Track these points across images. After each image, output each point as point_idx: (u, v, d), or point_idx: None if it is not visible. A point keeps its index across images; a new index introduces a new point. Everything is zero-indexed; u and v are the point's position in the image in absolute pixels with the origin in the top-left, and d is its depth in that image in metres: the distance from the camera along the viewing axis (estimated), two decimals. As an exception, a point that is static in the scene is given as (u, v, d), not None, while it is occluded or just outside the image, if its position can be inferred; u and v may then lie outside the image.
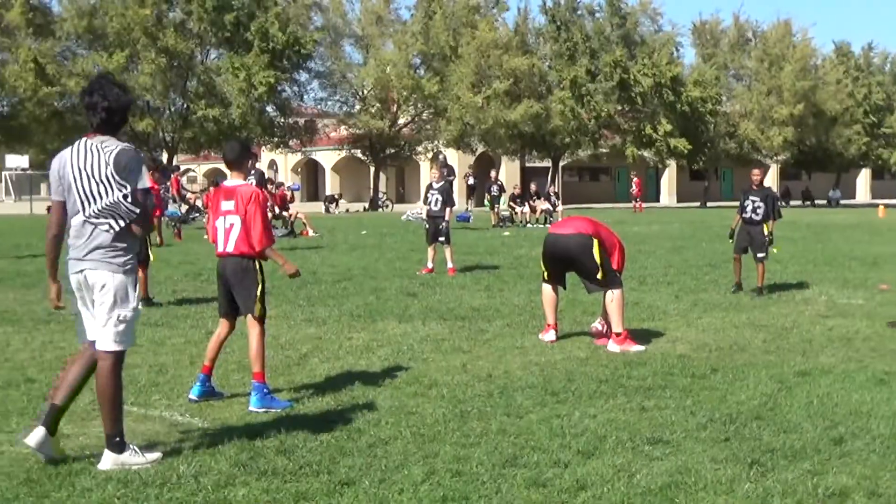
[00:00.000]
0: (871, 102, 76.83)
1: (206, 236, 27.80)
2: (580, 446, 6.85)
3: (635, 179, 56.50)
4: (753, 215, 15.94)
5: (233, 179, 8.43)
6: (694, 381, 9.02)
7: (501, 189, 40.40)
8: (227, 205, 8.19)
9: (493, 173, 42.99)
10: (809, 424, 7.45)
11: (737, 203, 16.58)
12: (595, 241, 10.99)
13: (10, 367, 9.60)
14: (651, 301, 14.51)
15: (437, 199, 18.75)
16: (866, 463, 6.54)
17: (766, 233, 15.91)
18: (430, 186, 19.21)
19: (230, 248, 8.16)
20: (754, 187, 16.24)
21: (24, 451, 6.68)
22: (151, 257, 14.19)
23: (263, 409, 7.88)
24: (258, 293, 8.15)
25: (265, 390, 8.08)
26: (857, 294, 15.61)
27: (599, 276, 10.93)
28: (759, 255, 15.79)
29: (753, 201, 15.97)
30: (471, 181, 48.76)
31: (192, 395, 8.23)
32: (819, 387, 8.77)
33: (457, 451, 6.76)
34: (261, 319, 8.19)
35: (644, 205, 55.68)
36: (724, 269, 18.97)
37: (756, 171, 16.83)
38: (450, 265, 18.48)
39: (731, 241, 16.56)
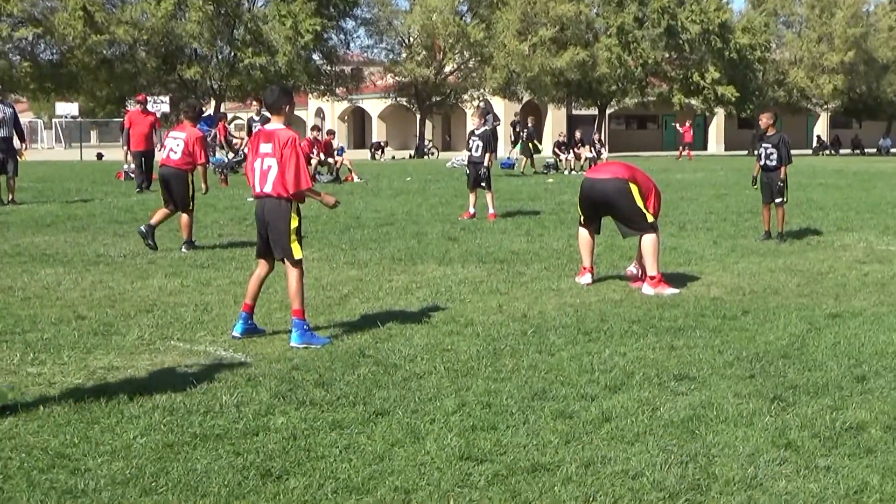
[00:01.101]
0: (925, 49, 75.66)
1: (249, 181, 27.96)
2: (608, 381, 7.07)
3: (686, 126, 55.95)
4: (768, 161, 15.74)
5: (273, 123, 8.60)
6: (724, 322, 9.20)
7: (530, 136, 39.51)
8: (265, 147, 8.39)
9: (529, 120, 42.63)
10: (834, 363, 7.63)
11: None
12: (632, 186, 11.14)
13: (62, 304, 9.94)
14: (689, 246, 14.64)
15: (477, 146, 18.94)
16: (886, 399, 6.72)
17: (781, 177, 15.66)
18: (472, 133, 19.40)
19: (268, 189, 8.35)
20: (767, 133, 15.97)
21: (76, 378, 7.03)
22: (193, 205, 14.45)
23: (304, 345, 8.16)
24: (293, 236, 8.34)
25: (305, 327, 8.33)
26: (897, 240, 15.65)
27: (636, 219, 11.09)
28: (778, 200, 15.65)
29: (766, 148, 15.77)
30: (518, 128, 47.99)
31: (235, 332, 8.52)
32: (848, 328, 8.93)
33: (488, 385, 7.02)
34: (298, 262, 8.38)
35: (693, 152, 55.27)
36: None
37: (764, 116, 16.29)
38: (490, 210, 18.68)
39: (754, 187, 16.58)
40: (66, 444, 5.73)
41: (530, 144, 38.64)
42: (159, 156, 16.79)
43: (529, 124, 39.78)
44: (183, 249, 13.89)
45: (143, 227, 13.93)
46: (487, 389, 6.89)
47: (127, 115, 27.93)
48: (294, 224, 8.36)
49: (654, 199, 11.43)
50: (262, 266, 8.66)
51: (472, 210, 18.82)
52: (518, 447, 5.74)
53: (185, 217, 14.22)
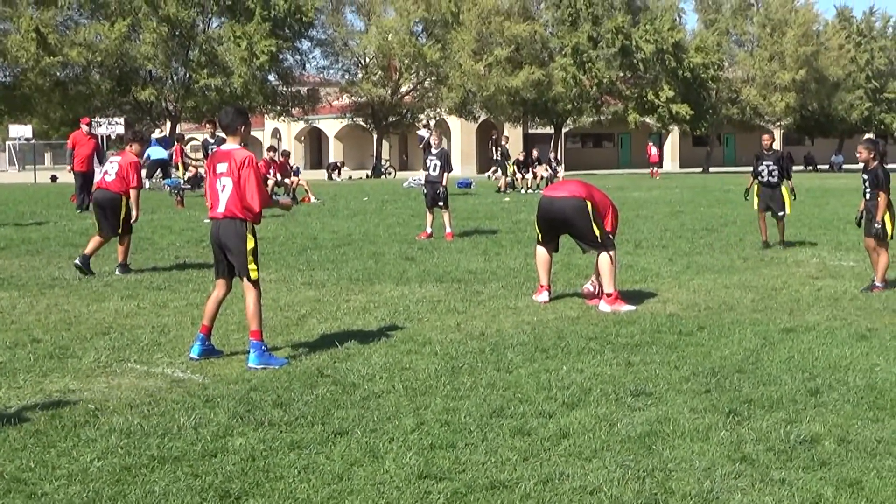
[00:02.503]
0: (874, 68, 76.88)
1: (207, 203, 27.96)
2: (565, 398, 7.12)
3: (648, 145, 56.75)
4: (770, 178, 17.11)
5: (229, 144, 8.60)
6: (680, 338, 9.28)
7: (505, 155, 40.57)
8: (221, 167, 8.38)
9: (504, 139, 43.00)
10: (788, 377, 7.72)
11: (744, 168, 17.62)
12: (588, 204, 11.22)
13: (17, 328, 9.86)
14: (645, 264, 14.75)
15: (434, 165, 18.99)
16: (840, 412, 6.81)
17: (787, 193, 17.12)
18: (428, 152, 19.46)
19: (221, 210, 8.35)
20: (766, 152, 17.45)
21: (31, 402, 6.98)
22: (130, 230, 14.25)
23: (262, 366, 8.14)
24: (250, 256, 8.32)
25: (263, 348, 8.30)
26: (849, 256, 15.83)
27: (592, 238, 11.17)
28: (780, 213, 17.03)
29: (768, 165, 17.19)
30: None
31: (193, 354, 8.48)
32: (802, 343, 9.04)
33: (446, 403, 7.04)
34: (255, 282, 8.36)
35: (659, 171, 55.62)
36: (720, 233, 19.26)
37: (766, 137, 18.18)
38: (447, 230, 18.73)
39: (746, 200, 18.10)
40: (22, 469, 5.69)
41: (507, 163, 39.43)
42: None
43: (504, 143, 40.38)
44: (117, 272, 13.72)
45: (77, 261, 13.73)
46: (446, 408, 6.91)
47: (71, 137, 27.95)
48: (251, 245, 8.34)
49: (612, 217, 11.54)
50: (219, 287, 8.64)
51: (429, 230, 18.86)
52: (477, 465, 5.76)
53: (121, 241, 14.05)
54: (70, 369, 8.12)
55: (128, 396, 7.26)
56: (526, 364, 8.26)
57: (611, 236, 11.39)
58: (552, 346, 8.95)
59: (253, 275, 8.33)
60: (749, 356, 8.49)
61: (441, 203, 18.80)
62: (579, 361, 8.33)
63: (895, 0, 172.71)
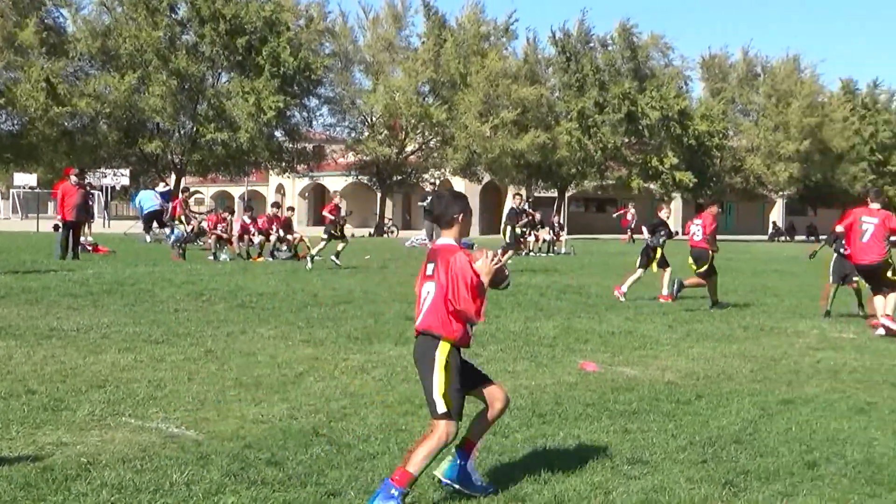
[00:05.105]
0: (878, 140, 77.29)
1: (209, 258, 28.22)
2: (561, 465, 7.06)
3: (621, 208, 56.58)
4: (842, 250, 17.28)
5: (443, 238, 6.52)
6: (678, 407, 9.24)
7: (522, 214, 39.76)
8: (429, 267, 6.41)
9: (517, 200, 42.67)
10: (786, 449, 7.67)
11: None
12: None
13: (13, 378, 9.82)
14: (644, 330, 14.71)
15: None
16: (836, 486, 6.76)
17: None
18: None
19: (419, 323, 6.39)
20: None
21: (23, 454, 6.93)
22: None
23: None
24: (442, 387, 6.20)
25: (395, 492, 6.02)
26: (849, 328, 15.82)
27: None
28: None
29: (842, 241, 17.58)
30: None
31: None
32: (800, 414, 8.99)
33: (441, 465, 6.97)
34: (445, 416, 6.16)
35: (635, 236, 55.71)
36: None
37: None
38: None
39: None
40: (11, 522, 5.64)
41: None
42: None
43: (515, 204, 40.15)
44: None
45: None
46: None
47: (58, 188, 28.18)
48: (442, 372, 6.21)
49: None
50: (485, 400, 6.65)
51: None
52: (469, 530, 5.70)
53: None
54: (64, 422, 8.07)
55: (121, 451, 7.21)
56: (522, 429, 8.21)
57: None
58: (549, 411, 8.91)
59: (439, 408, 6.18)
60: (747, 427, 8.44)
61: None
62: (576, 428, 8.28)
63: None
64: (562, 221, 43.43)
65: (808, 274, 28.39)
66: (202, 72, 56.71)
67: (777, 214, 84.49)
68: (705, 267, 18.68)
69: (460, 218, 6.45)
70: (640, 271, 20.21)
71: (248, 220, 30.63)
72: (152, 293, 17.98)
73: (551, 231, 40.27)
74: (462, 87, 61.21)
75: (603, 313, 16.56)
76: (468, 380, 6.44)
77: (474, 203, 72.18)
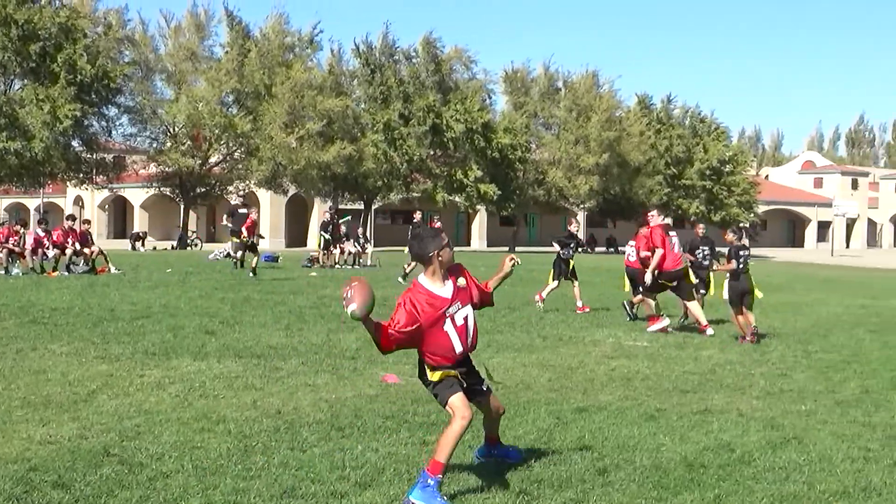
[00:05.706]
0: (672, 154, 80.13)
1: (0, 272, 27.10)
2: (358, 478, 7.06)
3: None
4: (704, 261, 18.81)
5: (423, 277, 7.19)
6: (477, 418, 9.32)
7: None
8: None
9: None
10: (578, 457, 7.85)
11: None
12: None
13: None
14: (447, 341, 14.82)
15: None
16: (625, 492, 6.95)
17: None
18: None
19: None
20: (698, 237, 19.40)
21: None
22: None
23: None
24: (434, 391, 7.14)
25: (430, 483, 6.55)
26: (643, 336, 16.34)
27: None
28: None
29: (703, 250, 18.93)
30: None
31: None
32: (593, 422, 9.23)
33: (237, 483, 6.88)
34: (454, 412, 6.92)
35: (455, 248, 56.24)
36: (522, 312, 19.61)
37: (700, 225, 20.40)
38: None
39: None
40: None
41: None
42: None
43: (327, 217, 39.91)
44: None
45: None
46: (236, 488, 6.75)
47: None
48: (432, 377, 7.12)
49: None
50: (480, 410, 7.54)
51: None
52: (263, 548, 5.63)
53: None
54: None
55: None
56: (321, 443, 8.16)
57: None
58: (348, 424, 8.89)
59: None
60: (542, 436, 8.61)
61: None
62: (374, 440, 8.29)
63: (691, 90, 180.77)
64: (367, 234, 43.34)
65: (606, 285, 29.27)
66: (-7, 78, 54.52)
67: (579, 227, 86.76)
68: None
69: (436, 254, 7.04)
70: (554, 283, 21.29)
71: (41, 233, 29.58)
72: None
73: (356, 243, 40.23)
74: (267, 97, 60.59)
75: (406, 325, 16.61)
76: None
77: (279, 214, 71.82)
